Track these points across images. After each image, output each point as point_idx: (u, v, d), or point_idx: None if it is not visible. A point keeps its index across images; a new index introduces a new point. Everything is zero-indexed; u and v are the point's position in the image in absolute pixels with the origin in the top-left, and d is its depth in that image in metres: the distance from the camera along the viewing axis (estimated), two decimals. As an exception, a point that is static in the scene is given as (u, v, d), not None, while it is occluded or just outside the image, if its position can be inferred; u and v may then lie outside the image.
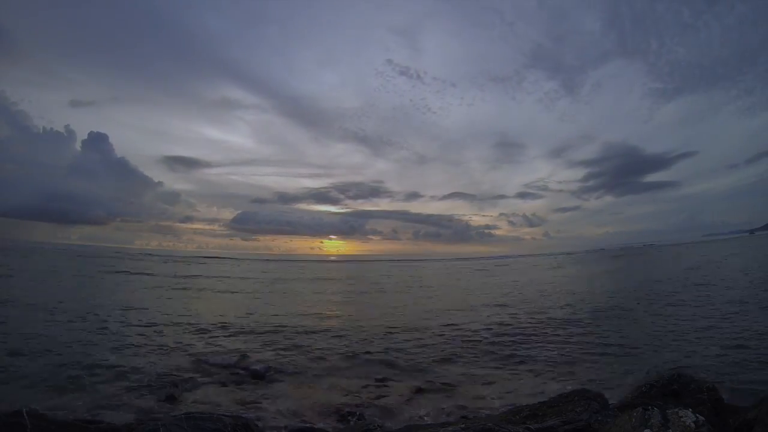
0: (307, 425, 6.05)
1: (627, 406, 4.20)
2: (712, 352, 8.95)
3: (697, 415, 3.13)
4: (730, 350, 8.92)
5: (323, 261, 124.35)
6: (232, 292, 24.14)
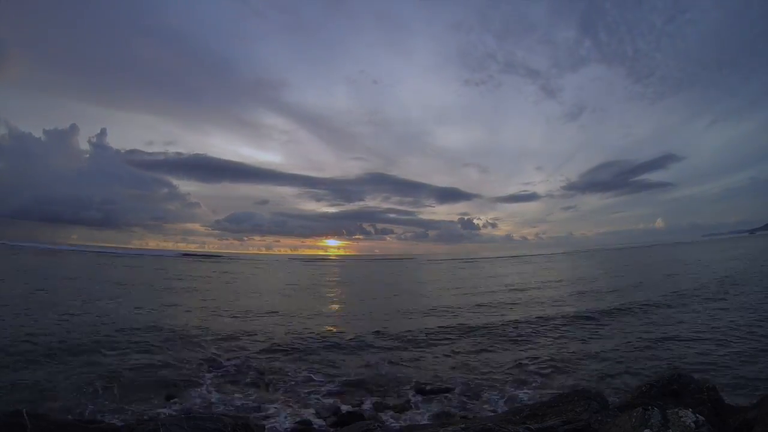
0: (308, 425, 6.05)
1: (627, 406, 4.19)
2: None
3: (697, 415, 3.12)
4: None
5: (356, 261, 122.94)
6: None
